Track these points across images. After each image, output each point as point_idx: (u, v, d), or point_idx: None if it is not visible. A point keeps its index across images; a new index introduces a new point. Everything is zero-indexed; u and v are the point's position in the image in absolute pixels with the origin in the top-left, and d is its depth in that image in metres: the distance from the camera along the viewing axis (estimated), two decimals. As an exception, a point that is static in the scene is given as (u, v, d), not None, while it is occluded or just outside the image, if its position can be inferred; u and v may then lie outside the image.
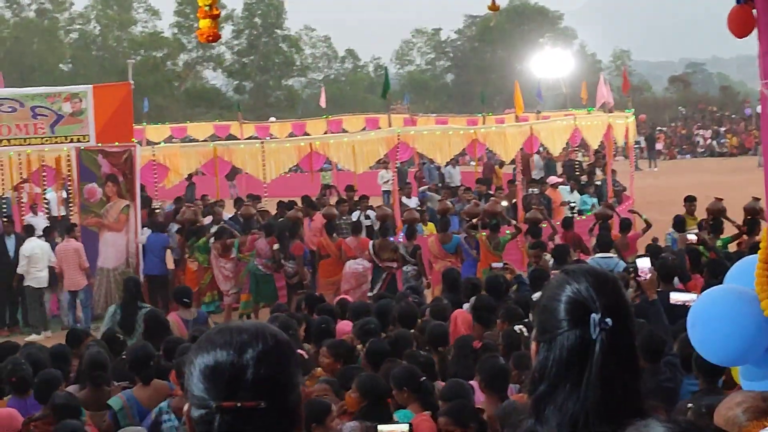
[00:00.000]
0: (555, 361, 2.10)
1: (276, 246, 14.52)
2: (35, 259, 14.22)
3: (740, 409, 3.11)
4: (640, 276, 6.50)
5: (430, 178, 24.94)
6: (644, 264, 6.52)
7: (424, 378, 6.20)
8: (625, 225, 14.34)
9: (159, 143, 23.86)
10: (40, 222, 16.56)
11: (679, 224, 14.07)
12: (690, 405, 4.51)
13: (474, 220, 14.65)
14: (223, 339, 1.93)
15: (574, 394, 2.06)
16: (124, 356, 7.70)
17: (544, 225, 14.87)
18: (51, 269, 14.45)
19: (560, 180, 21.45)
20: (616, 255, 12.76)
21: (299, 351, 7.29)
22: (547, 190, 20.26)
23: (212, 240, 14.92)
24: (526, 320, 7.99)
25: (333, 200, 18.94)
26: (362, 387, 5.91)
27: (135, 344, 8.01)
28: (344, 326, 8.89)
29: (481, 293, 9.48)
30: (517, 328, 7.45)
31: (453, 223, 16.26)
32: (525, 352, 6.62)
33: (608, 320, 2.07)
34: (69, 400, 6.41)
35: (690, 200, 15.52)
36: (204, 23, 5.47)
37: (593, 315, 2.08)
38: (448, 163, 25.08)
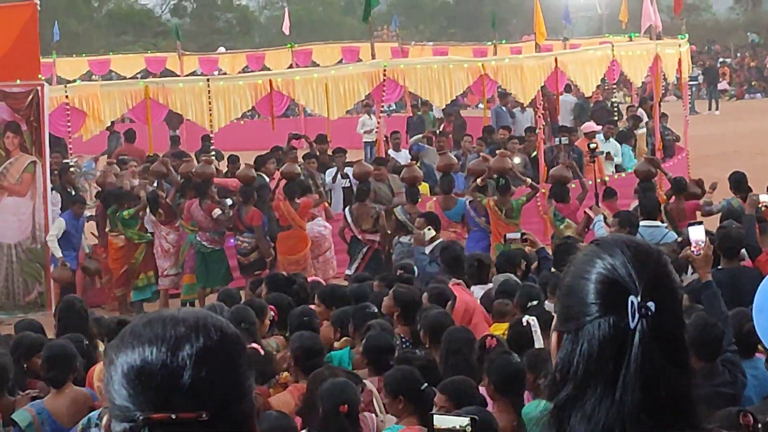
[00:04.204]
0: (582, 356, 2.10)
1: (217, 212, 14.42)
2: None
3: None
4: (692, 250, 6.35)
5: (497, 124, 24.39)
6: (697, 235, 6.37)
7: (426, 385, 6.19)
8: (680, 186, 14.16)
9: (74, 81, 23.71)
10: None
11: (738, 184, 13.66)
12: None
13: (479, 180, 14.47)
14: (152, 332, 1.93)
15: (607, 399, 2.07)
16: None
17: (573, 185, 14.84)
18: None
19: (596, 128, 21.04)
20: (665, 224, 12.78)
21: (254, 347, 7.29)
22: (579, 140, 20.09)
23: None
24: (535, 305, 7.95)
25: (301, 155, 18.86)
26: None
27: (52, 342, 7.99)
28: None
29: (508, 275, 9.53)
30: (524, 320, 7.36)
31: (458, 183, 16.21)
32: (540, 349, 6.58)
33: (650, 304, 2.08)
34: None
35: None
36: None
37: (631, 298, 2.09)
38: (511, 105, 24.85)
